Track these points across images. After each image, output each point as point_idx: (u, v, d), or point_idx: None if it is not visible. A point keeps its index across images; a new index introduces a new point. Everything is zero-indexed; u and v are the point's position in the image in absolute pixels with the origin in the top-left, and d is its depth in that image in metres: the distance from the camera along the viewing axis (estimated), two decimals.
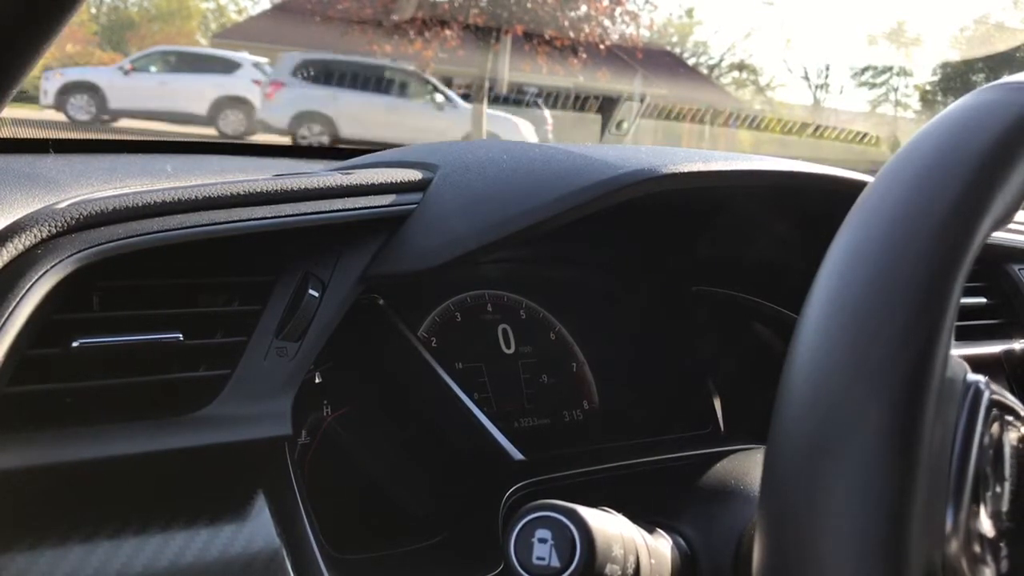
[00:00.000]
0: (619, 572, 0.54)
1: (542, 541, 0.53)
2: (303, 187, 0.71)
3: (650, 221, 0.93)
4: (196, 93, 11.66)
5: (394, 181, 0.76)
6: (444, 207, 0.74)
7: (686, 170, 0.73)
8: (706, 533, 0.64)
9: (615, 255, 1.03)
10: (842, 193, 0.81)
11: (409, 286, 0.87)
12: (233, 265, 0.68)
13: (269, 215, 0.67)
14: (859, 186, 0.81)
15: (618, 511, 0.59)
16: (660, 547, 0.60)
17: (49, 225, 0.60)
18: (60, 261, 0.58)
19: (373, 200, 0.73)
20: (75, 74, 11.95)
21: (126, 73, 12.10)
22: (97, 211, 0.61)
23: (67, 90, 11.58)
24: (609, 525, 0.55)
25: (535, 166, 0.76)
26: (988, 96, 0.41)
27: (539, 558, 0.53)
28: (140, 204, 0.63)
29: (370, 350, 0.83)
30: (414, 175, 0.78)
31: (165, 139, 1.09)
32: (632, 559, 0.56)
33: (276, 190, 0.69)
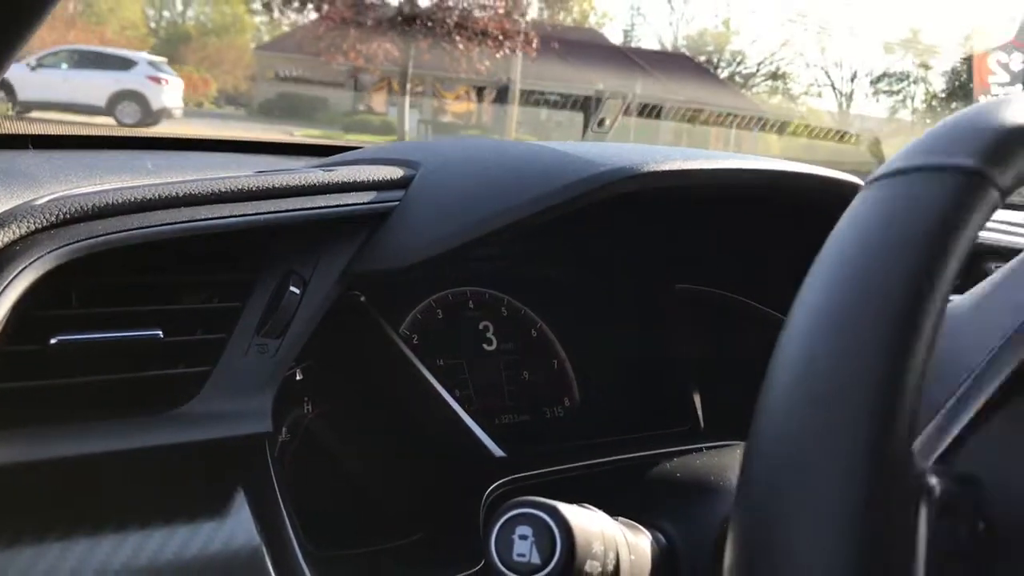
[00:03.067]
0: (599, 568, 0.54)
1: (522, 538, 0.54)
2: (285, 184, 0.71)
3: (632, 219, 0.93)
4: (96, 88, 13.29)
5: (376, 178, 0.76)
6: (425, 204, 0.74)
7: (666, 168, 0.73)
8: (686, 529, 0.64)
9: (597, 252, 1.04)
10: (824, 191, 0.81)
11: (391, 283, 0.87)
12: (214, 262, 0.68)
13: (250, 212, 0.67)
14: (840, 184, 0.81)
15: (598, 507, 0.59)
16: (640, 543, 0.60)
17: (28, 221, 0.59)
18: (39, 258, 0.58)
19: (355, 197, 0.73)
20: None
21: (32, 69, 13.23)
22: (76, 207, 0.61)
23: None
24: (589, 522, 0.55)
25: (517, 164, 0.76)
26: (888, 195, 0.37)
27: (519, 555, 0.53)
28: (120, 201, 0.63)
29: (351, 347, 0.83)
30: (396, 172, 0.78)
31: (146, 135, 1.08)
32: (612, 555, 0.56)
33: (257, 187, 0.69)
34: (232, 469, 0.64)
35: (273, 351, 0.67)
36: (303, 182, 0.72)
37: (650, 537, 0.62)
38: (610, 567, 0.56)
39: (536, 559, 0.53)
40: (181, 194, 0.65)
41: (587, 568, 0.54)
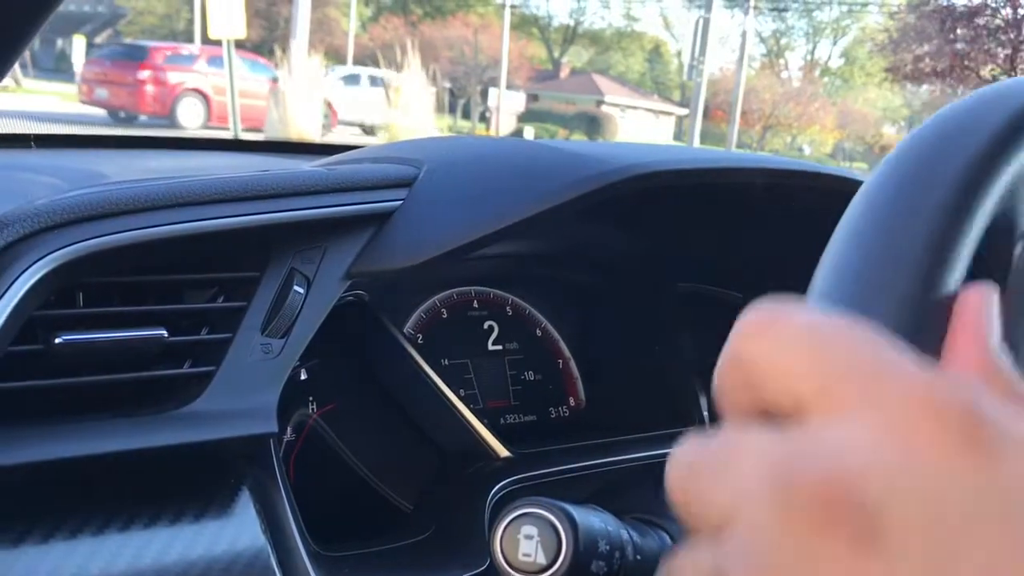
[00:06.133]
0: (605, 569, 0.54)
1: (528, 538, 0.53)
2: (288, 183, 0.70)
3: (637, 218, 0.93)
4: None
5: (379, 177, 0.76)
6: (430, 204, 0.74)
7: (670, 168, 0.73)
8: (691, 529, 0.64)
9: (601, 252, 1.03)
10: (831, 191, 0.81)
11: (395, 283, 0.86)
12: (218, 261, 0.68)
13: (254, 211, 0.67)
14: (844, 182, 0.81)
15: (604, 507, 0.59)
16: (646, 543, 0.60)
17: (31, 221, 0.59)
18: (42, 257, 0.57)
19: (359, 196, 0.73)
20: None
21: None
22: (80, 207, 0.61)
23: None
24: (595, 522, 0.55)
25: (521, 162, 0.76)
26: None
27: (525, 554, 0.53)
28: (124, 200, 0.63)
29: (356, 347, 0.83)
30: (400, 171, 0.78)
31: (149, 135, 1.08)
32: (618, 555, 0.56)
33: (261, 186, 0.69)
34: (237, 469, 0.63)
35: (278, 351, 0.67)
36: (307, 181, 0.71)
37: (656, 538, 0.62)
38: (616, 567, 0.55)
39: (542, 559, 0.53)
40: (184, 193, 0.65)
41: (593, 568, 0.54)
